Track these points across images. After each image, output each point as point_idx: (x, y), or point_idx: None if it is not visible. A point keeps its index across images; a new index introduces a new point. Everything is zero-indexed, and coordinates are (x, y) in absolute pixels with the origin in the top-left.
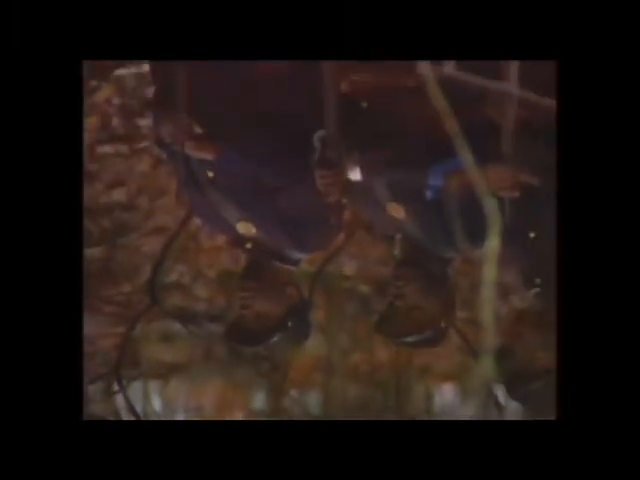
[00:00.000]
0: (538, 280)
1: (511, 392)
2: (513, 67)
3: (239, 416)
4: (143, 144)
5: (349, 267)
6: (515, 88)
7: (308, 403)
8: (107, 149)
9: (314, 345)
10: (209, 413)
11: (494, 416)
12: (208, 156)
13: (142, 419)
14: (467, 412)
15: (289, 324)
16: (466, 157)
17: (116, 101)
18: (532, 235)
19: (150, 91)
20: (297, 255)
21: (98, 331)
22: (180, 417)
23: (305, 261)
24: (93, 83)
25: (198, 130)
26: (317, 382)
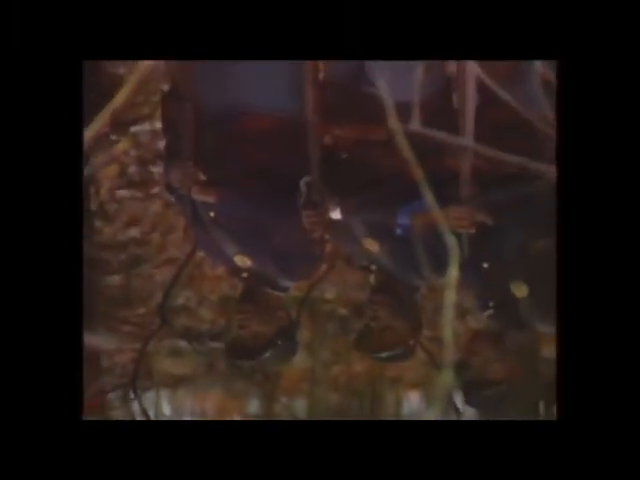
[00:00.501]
0: (491, 303)
1: (467, 399)
2: (469, 122)
3: (236, 419)
4: (155, 189)
5: (330, 293)
6: (470, 142)
7: (296, 408)
8: (124, 193)
9: (301, 359)
10: (211, 417)
11: (452, 419)
12: (210, 199)
13: (153, 420)
14: (430, 416)
15: (279, 342)
16: (429, 200)
17: (133, 153)
18: (485, 265)
19: (161, 144)
20: (286, 283)
21: (117, 347)
22: (186, 419)
23: (293, 288)
24: (113, 137)
25: (202, 177)
26: (303, 390)
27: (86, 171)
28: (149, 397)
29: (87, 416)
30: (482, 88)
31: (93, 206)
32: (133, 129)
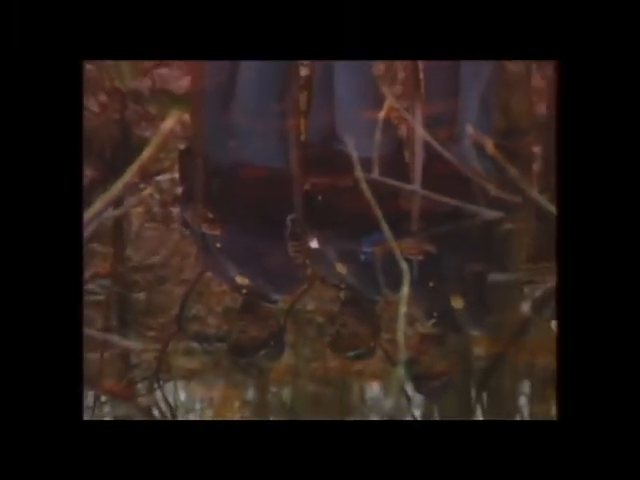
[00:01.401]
0: (435, 314)
1: (417, 388)
2: (417, 173)
3: (237, 404)
4: (174, 225)
5: (310, 305)
6: (418, 188)
7: (282, 395)
8: (150, 228)
9: (287, 357)
10: (217, 402)
11: (404, 404)
12: (216, 232)
13: (172, 406)
14: (387, 403)
15: (271, 343)
16: (387, 233)
17: (156, 197)
18: (430, 284)
19: (179, 190)
20: (276, 297)
21: (143, 348)
22: (197, 406)
23: (281, 301)
24: (141, 185)
25: (210, 216)
26: (289, 381)
27: (119, 211)
28: (168, 387)
29: (122, 401)
30: (427, 147)
31: (126, 238)
32: (157, 178)
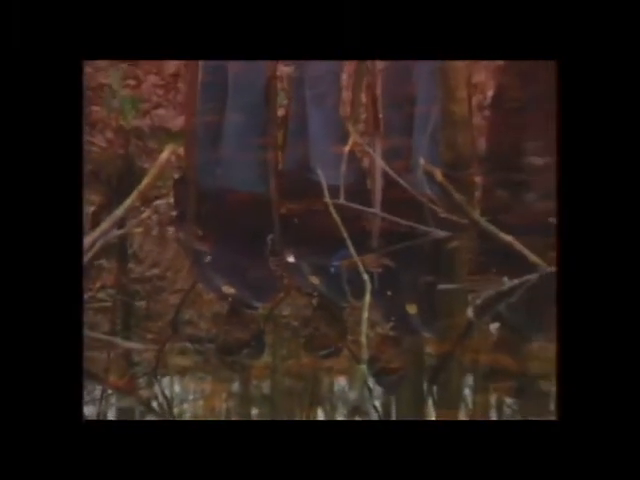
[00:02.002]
0: (393, 318)
1: (377, 382)
2: (378, 198)
3: (224, 396)
4: (169, 243)
5: (286, 311)
6: (379, 211)
7: (263, 388)
8: (149, 245)
9: (267, 355)
10: (207, 394)
11: (367, 395)
12: (206, 249)
13: (168, 397)
14: (352, 394)
15: (252, 344)
16: (351, 250)
17: (154, 218)
18: (389, 293)
19: (174, 213)
20: (257, 304)
21: (144, 348)
22: (190, 397)
23: (261, 308)
24: (142, 209)
25: (200, 234)
26: (268, 376)
27: (123, 231)
28: (165, 381)
29: (125, 394)
30: (386, 176)
31: (129, 253)
32: (155, 203)
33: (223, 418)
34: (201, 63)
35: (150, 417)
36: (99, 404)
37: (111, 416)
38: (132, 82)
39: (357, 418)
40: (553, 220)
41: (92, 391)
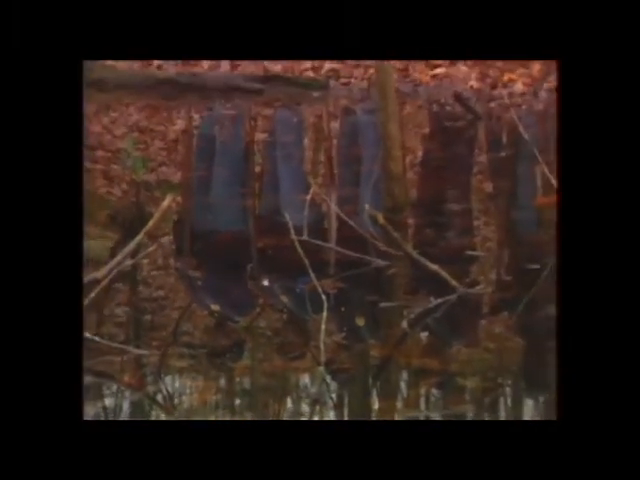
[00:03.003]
0: (345, 329)
1: (333, 379)
2: (333, 235)
3: (213, 390)
4: (171, 270)
5: (262, 323)
6: (334, 245)
7: (244, 384)
8: (155, 273)
9: (246, 358)
10: (200, 389)
11: (325, 389)
12: (198, 275)
13: (170, 392)
14: (313, 388)
15: (234, 349)
16: (313, 276)
17: (159, 252)
18: (342, 309)
19: (174, 247)
20: (238, 318)
21: (150, 353)
22: (187, 391)
23: (242, 321)
24: (150, 244)
25: (194, 263)
26: (247, 374)
27: (134, 261)
28: (167, 379)
29: (136, 390)
30: (339, 218)
31: (139, 278)
32: (160, 239)
33: (213, 408)
34: (196, 132)
35: (156, 408)
36: (115, 398)
37: (125, 407)
38: (142, 146)
39: (317, 407)
40: (469, 252)
41: (110, 387)
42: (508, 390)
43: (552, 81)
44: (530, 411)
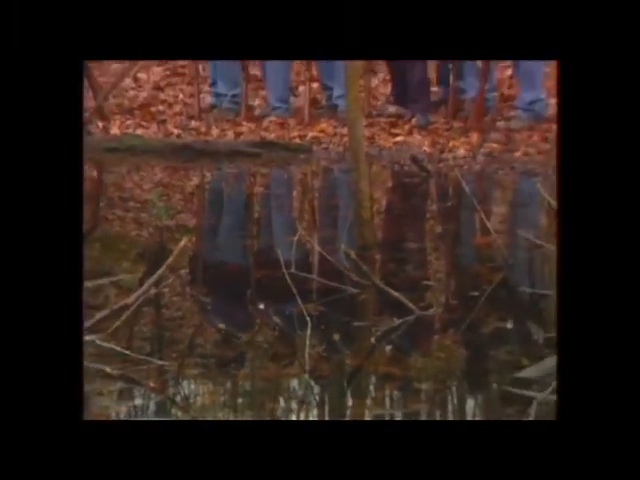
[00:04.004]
0: (324, 343)
1: (316, 382)
2: (315, 267)
3: (221, 392)
4: (187, 296)
5: (260, 338)
6: (316, 277)
7: (246, 387)
8: (175, 299)
9: (247, 367)
10: (210, 391)
11: (310, 391)
12: (209, 300)
13: (187, 394)
14: (299, 391)
15: (238, 359)
16: (299, 300)
17: (177, 282)
18: (322, 327)
19: (189, 277)
20: (240, 335)
21: (170, 363)
22: (200, 392)
23: (243, 337)
24: (170, 276)
25: (205, 291)
26: (249, 379)
27: (157, 290)
28: (184, 384)
29: (159, 393)
30: (321, 255)
31: (162, 303)
32: (178, 272)
33: (220, 406)
34: (207, 187)
35: (175, 407)
36: (143, 399)
37: (152, 406)
38: (165, 198)
39: (303, 406)
40: (424, 282)
41: (139, 390)
42: (454, 390)
43: (487, 147)
44: (471, 408)
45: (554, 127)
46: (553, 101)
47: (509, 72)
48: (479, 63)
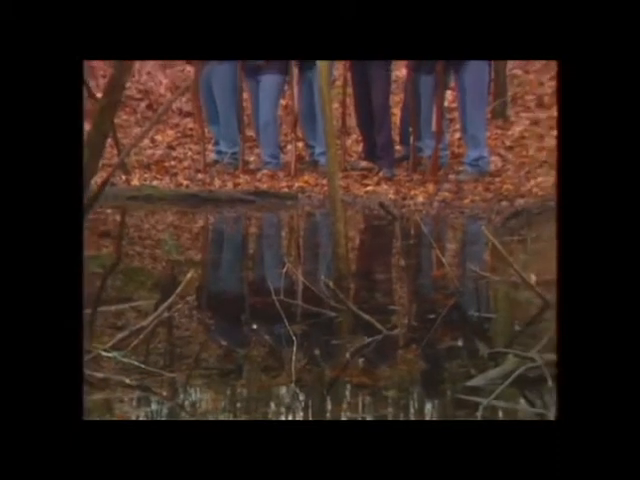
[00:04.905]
0: (307, 357)
1: (300, 390)
2: (299, 295)
3: (222, 397)
4: (193, 319)
5: (254, 353)
6: (300, 302)
7: (243, 394)
8: (184, 321)
9: (245, 377)
10: (212, 397)
11: (296, 398)
12: (212, 322)
13: (195, 400)
14: (286, 398)
15: (236, 371)
16: (286, 322)
17: (186, 307)
18: (305, 344)
19: (196, 303)
20: (239, 350)
21: (179, 375)
22: (204, 398)
23: (241, 352)
24: (179, 303)
25: (209, 314)
26: (245, 387)
27: (169, 313)
28: (191, 391)
29: (170, 400)
30: (304, 284)
31: (173, 324)
32: (186, 298)
33: (221, 411)
34: (210, 228)
35: (183, 411)
36: (157, 405)
37: (165, 411)
38: (176, 237)
39: (290, 410)
40: (391, 307)
41: (155, 398)
42: (415, 396)
43: (441, 195)
44: (429, 411)
45: (496, 179)
46: (493, 158)
47: (458, 135)
48: (433, 127)
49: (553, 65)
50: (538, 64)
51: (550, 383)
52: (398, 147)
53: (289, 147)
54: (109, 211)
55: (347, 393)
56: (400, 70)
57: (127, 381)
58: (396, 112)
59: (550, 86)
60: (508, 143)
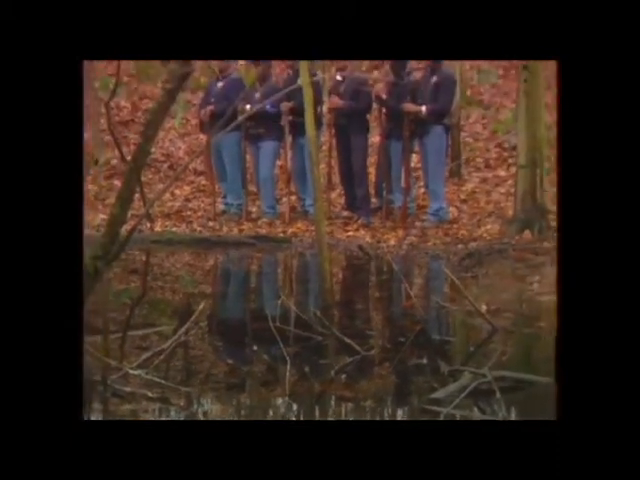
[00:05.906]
0: (299, 374)
1: (293, 401)
2: (292, 322)
3: (228, 405)
4: (204, 341)
5: (255, 369)
6: (292, 329)
7: (246, 402)
8: (197, 342)
9: (247, 389)
10: (221, 405)
11: (290, 406)
12: (221, 344)
13: (207, 409)
14: (282, 406)
15: (240, 385)
16: (281, 345)
17: (199, 331)
18: (297, 361)
19: (207, 329)
20: (243, 367)
21: (193, 389)
22: (214, 408)
23: (244, 369)
24: (194, 328)
25: (218, 339)
26: (247, 397)
27: (186, 337)
28: (203, 401)
29: (186, 409)
30: (297, 314)
31: (190, 345)
32: (199, 324)
33: (227, 417)
34: (219, 266)
35: (197, 419)
36: (176, 413)
37: (182, 419)
38: (190, 273)
39: (285, 418)
40: (368, 332)
41: (173, 408)
42: (389, 403)
43: (409, 239)
44: (401, 414)
45: (454, 226)
46: (451, 209)
47: (423, 190)
48: (402, 183)
49: (499, 135)
50: (486, 132)
51: (498, 395)
52: (374, 200)
53: (284, 199)
54: (136, 252)
55: (332, 403)
56: (375, 137)
57: (149, 394)
58: (372, 171)
59: (495, 152)
60: (463, 197)
